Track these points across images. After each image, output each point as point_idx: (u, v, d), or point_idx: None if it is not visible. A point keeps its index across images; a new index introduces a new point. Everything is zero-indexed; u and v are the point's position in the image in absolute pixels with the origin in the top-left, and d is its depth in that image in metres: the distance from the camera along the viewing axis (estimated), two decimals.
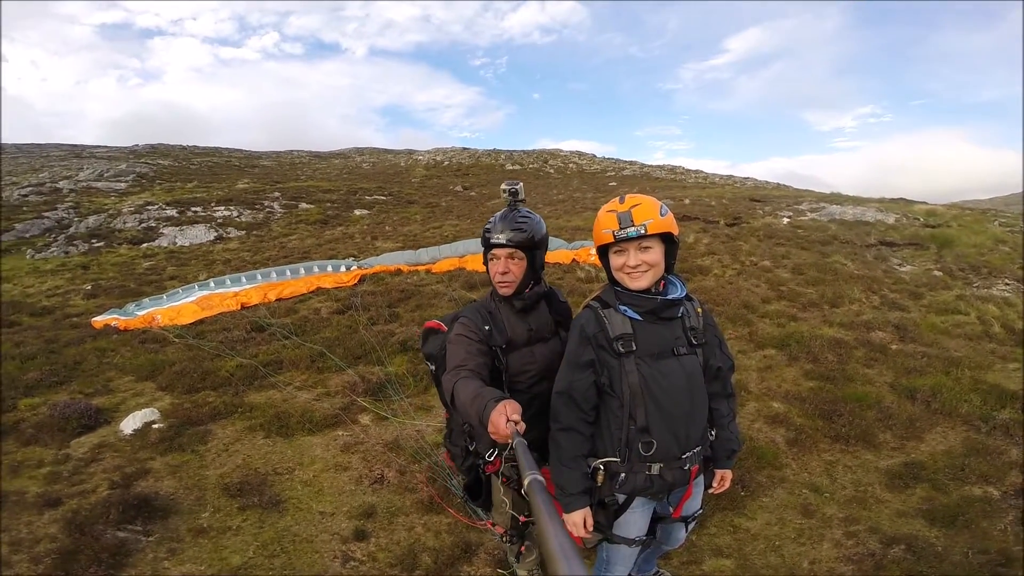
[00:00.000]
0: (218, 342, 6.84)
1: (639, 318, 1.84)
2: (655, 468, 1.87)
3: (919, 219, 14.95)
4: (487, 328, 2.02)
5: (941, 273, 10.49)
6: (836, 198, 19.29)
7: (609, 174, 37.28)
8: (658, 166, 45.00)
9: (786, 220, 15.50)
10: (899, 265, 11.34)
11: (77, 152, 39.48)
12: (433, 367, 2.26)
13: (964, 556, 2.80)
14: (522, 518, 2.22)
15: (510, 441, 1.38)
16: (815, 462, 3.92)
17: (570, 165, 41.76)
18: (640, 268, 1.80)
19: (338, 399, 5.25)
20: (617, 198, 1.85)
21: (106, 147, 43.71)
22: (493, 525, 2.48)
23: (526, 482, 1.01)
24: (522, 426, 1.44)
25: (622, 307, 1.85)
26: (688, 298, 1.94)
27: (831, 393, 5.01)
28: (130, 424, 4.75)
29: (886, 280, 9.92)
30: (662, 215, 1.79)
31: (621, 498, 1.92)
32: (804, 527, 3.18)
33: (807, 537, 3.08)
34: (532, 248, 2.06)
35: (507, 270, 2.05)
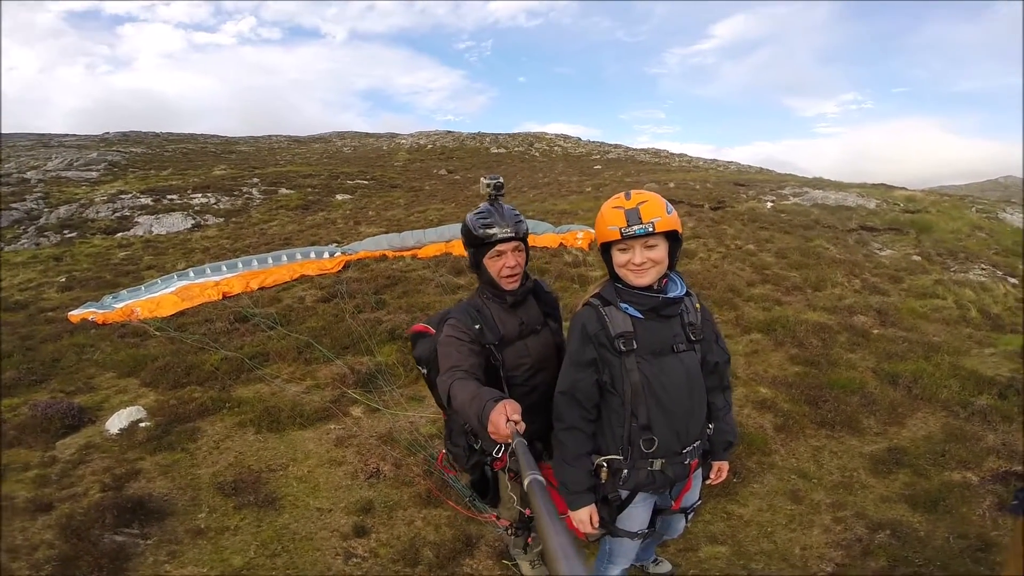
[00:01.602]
0: (201, 334, 6.69)
1: (640, 316, 1.84)
2: (657, 464, 1.89)
3: (899, 204, 15.25)
4: (477, 327, 2.01)
5: (920, 258, 10.74)
6: (818, 183, 19.54)
7: (594, 157, 37.16)
8: (643, 149, 44.99)
9: (769, 204, 15.67)
10: (879, 249, 11.58)
11: (45, 141, 37.80)
12: (425, 371, 2.26)
13: (945, 541, 2.92)
14: (527, 511, 2.24)
15: (510, 441, 1.40)
16: (802, 448, 4.02)
17: (555, 148, 41.50)
18: (645, 265, 1.79)
19: (328, 391, 5.19)
20: (622, 194, 1.82)
21: (75, 135, 41.99)
22: (497, 518, 2.51)
23: (526, 482, 1.02)
24: (522, 426, 1.45)
25: (623, 304, 1.85)
26: (687, 294, 1.95)
27: (816, 378, 5.12)
28: (116, 423, 4.63)
29: (867, 264, 10.13)
30: (668, 213, 1.78)
31: (624, 494, 1.95)
32: (794, 513, 3.27)
33: (797, 523, 3.17)
34: (526, 239, 2.11)
35: (516, 263, 2.06)
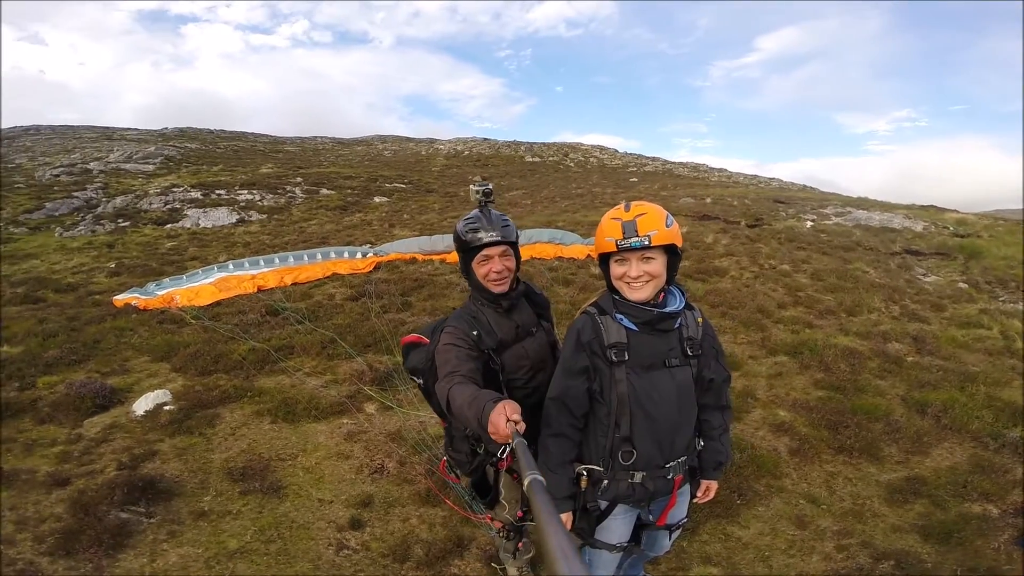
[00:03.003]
0: (233, 325, 6.95)
1: (635, 328, 1.83)
2: (637, 476, 1.88)
3: (948, 228, 14.52)
4: (475, 333, 2.03)
5: (966, 285, 10.20)
6: (863, 203, 18.80)
7: (631, 169, 36.84)
8: (681, 163, 44.31)
9: (809, 224, 15.18)
10: (923, 275, 11.04)
11: (108, 134, 40.36)
12: (420, 381, 2.29)
13: (953, 573, 2.76)
14: (519, 513, 2.27)
15: (510, 441, 1.40)
16: (816, 472, 3.89)
17: (591, 159, 41.36)
18: (641, 279, 1.79)
19: (345, 387, 5.32)
20: (622, 204, 1.82)
21: (136, 130, 44.55)
22: (492, 520, 2.52)
23: (527, 482, 1.02)
24: (522, 426, 1.45)
25: (618, 316, 1.85)
26: (689, 307, 1.93)
27: (840, 404, 4.94)
28: (142, 405, 4.83)
29: (908, 290, 9.69)
30: (667, 226, 1.76)
31: (603, 504, 1.95)
32: (796, 538, 3.16)
33: (798, 549, 3.07)
34: (516, 244, 2.15)
35: (503, 267, 2.08)
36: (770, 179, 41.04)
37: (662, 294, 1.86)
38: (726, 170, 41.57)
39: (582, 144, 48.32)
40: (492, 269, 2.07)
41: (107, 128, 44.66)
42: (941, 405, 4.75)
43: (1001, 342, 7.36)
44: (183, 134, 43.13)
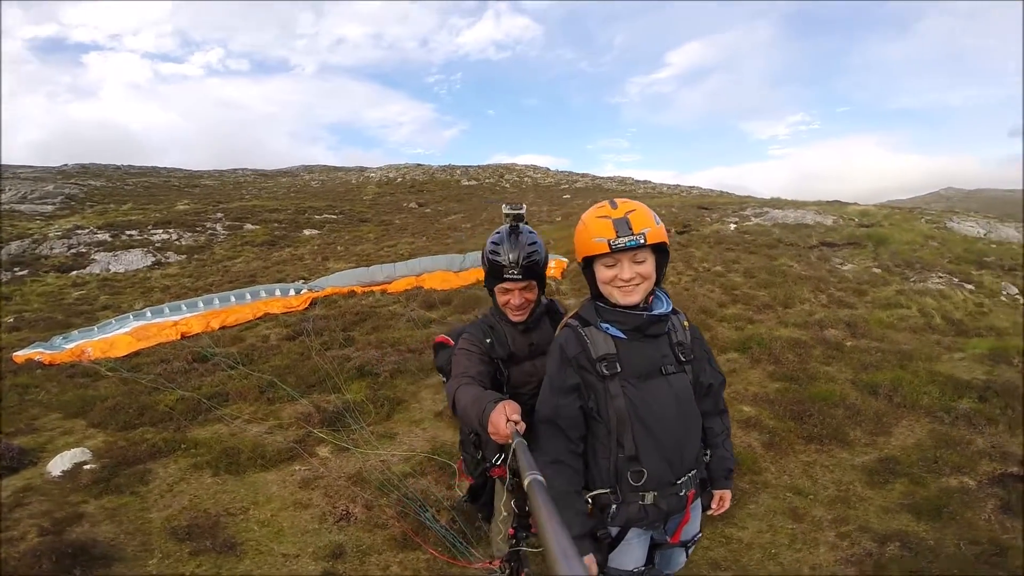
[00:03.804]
0: (156, 374, 6.28)
1: (623, 336, 1.67)
2: (648, 497, 1.69)
3: (854, 219, 15.85)
4: (488, 341, 2.01)
5: (880, 270, 11.08)
6: (777, 203, 20.24)
7: (563, 187, 37.84)
8: (609, 177, 46.17)
9: (733, 226, 16.07)
10: (841, 264, 11.90)
11: None
12: (445, 380, 2.22)
13: (957, 548, 2.81)
14: (510, 530, 2.10)
15: (510, 441, 1.38)
16: (793, 464, 3.91)
17: (525, 179, 42.13)
18: (633, 281, 1.64)
19: (292, 431, 4.86)
20: (607, 202, 1.67)
21: (31, 167, 40.45)
22: (490, 562, 2.39)
23: (526, 482, 1.00)
24: (522, 426, 1.43)
25: (604, 325, 1.68)
26: (674, 311, 1.80)
27: (797, 393, 5.07)
28: (58, 465, 4.32)
29: (831, 279, 10.38)
30: (657, 223, 1.64)
31: (614, 531, 1.73)
32: (796, 532, 3.12)
33: (801, 542, 3.02)
34: (542, 273, 2.03)
35: (523, 300, 2.01)
36: (691, 187, 43.60)
37: (650, 297, 1.72)
38: (650, 181, 43.71)
39: (516, 165, 49.18)
40: (511, 302, 2.01)
41: None
42: (890, 385, 4.99)
43: (921, 319, 7.99)
44: (86, 170, 39.73)
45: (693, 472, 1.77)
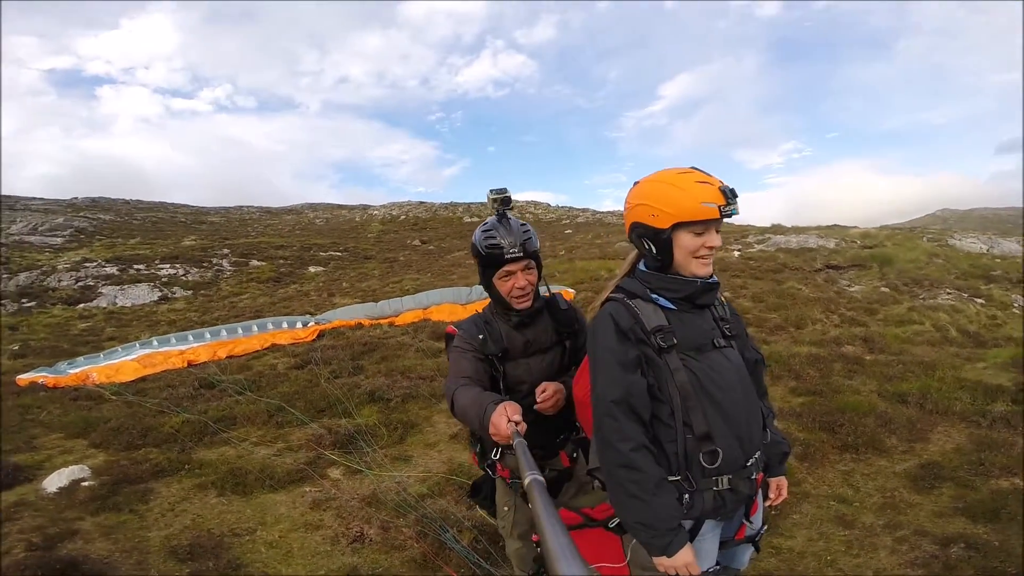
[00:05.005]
0: (161, 399, 6.17)
1: (672, 307, 1.58)
2: (723, 482, 1.53)
3: (856, 242, 15.89)
4: (480, 337, 1.96)
5: (888, 289, 11.01)
6: (778, 229, 20.35)
7: (564, 222, 38.25)
8: (609, 211, 46.68)
9: (737, 253, 16.10)
10: (848, 285, 11.84)
11: (10, 204, 36.54)
12: None
13: None
14: (534, 537, 1.99)
15: (511, 441, 1.39)
16: (831, 474, 3.73)
17: (527, 215, 42.61)
18: (715, 251, 1.57)
19: (302, 454, 4.68)
20: (687, 168, 1.59)
21: (42, 199, 41.01)
22: None
23: (526, 482, 1.01)
24: (523, 426, 1.44)
25: (653, 295, 1.58)
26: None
27: (824, 406, 4.91)
28: (55, 481, 4.18)
29: (840, 300, 10.30)
30: None
31: (687, 524, 1.54)
32: (850, 538, 2.93)
33: (859, 547, 2.82)
34: (538, 255, 2.01)
35: (526, 283, 1.95)
36: None
37: None
38: None
39: (517, 201, 49.65)
40: (515, 285, 1.93)
41: (8, 197, 40.42)
42: (918, 393, 4.85)
43: (936, 333, 7.87)
44: (95, 204, 40.24)
45: (759, 453, 1.63)
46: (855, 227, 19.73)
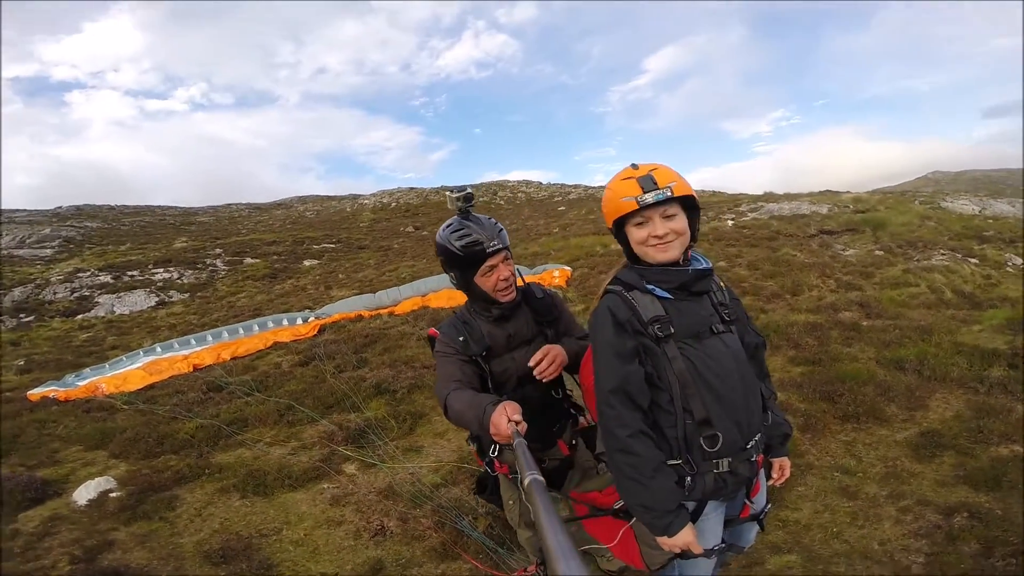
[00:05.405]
0: (172, 405, 6.24)
1: (669, 296, 1.64)
2: (724, 464, 1.63)
3: (848, 207, 15.92)
4: (461, 339, 1.96)
5: (882, 252, 11.08)
6: (770, 196, 20.34)
7: (557, 199, 38.02)
8: (600, 187, 46.43)
9: (730, 222, 16.10)
10: (843, 250, 11.91)
11: None
12: None
13: None
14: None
15: (511, 441, 1.40)
16: (833, 444, 3.83)
17: (519, 195, 42.32)
18: (667, 237, 1.61)
19: (316, 451, 4.78)
20: (628, 166, 1.67)
21: (25, 211, 40.39)
22: (526, 569, 2.37)
23: (526, 482, 1.02)
24: (523, 426, 1.46)
25: (649, 286, 1.64)
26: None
27: (823, 375, 5.00)
28: (84, 494, 4.27)
29: (835, 264, 10.37)
30: (682, 178, 1.63)
31: (690, 505, 1.66)
32: (855, 509, 3.03)
33: (864, 519, 2.93)
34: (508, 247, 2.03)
35: (509, 274, 1.97)
36: None
37: (688, 253, 1.69)
38: None
39: (508, 181, 49.39)
40: (500, 277, 1.94)
41: None
42: (916, 359, 4.93)
43: (932, 295, 7.97)
44: (81, 212, 39.63)
45: (759, 435, 1.72)
46: (847, 192, 19.75)
